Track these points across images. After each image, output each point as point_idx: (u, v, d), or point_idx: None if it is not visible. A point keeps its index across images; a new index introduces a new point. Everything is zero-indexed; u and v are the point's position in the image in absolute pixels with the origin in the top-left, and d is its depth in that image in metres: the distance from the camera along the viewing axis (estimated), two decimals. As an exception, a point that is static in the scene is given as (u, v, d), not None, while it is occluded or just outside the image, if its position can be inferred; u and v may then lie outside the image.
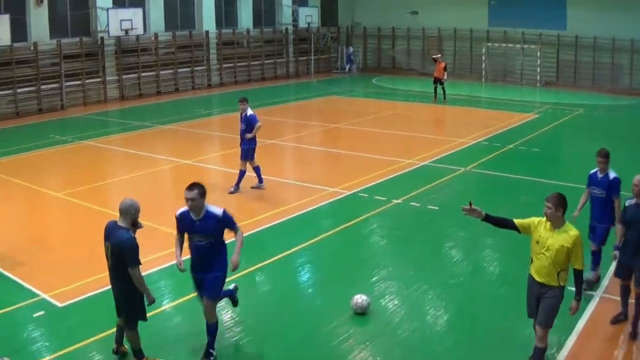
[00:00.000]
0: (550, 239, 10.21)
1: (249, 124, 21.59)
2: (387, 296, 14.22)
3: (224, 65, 51.85)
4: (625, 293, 12.80)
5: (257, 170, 22.12)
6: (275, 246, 17.37)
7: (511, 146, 28.71)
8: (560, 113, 38.48)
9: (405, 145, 29.96)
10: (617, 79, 48.88)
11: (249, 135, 21.60)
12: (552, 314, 10.36)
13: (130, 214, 11.18)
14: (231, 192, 21.78)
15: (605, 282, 14.55)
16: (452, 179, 23.58)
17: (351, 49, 60.47)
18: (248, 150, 21.84)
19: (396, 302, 14.01)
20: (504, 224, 10.95)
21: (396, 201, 20.66)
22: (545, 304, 10.35)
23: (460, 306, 13.84)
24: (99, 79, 43.42)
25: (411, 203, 20.56)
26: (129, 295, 10.96)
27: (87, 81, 42.52)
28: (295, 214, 19.86)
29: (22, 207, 21.49)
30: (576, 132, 34.38)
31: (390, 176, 23.77)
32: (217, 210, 11.73)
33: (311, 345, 12.35)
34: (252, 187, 22.17)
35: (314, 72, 59.29)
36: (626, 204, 12.79)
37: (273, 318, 13.43)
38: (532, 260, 10.60)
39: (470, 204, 10.82)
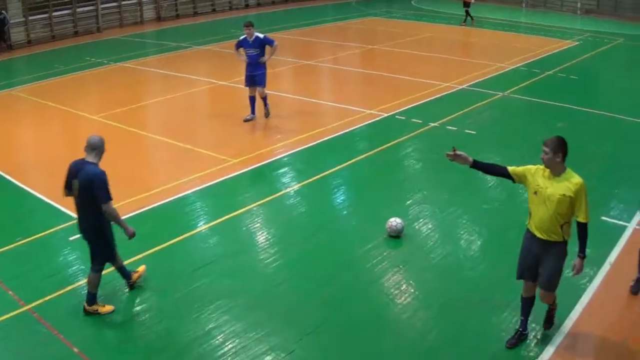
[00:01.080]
0: (550, 188, 9.18)
1: (262, 46, 20.70)
2: (421, 220, 14.27)
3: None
4: None
5: (265, 100, 21.42)
6: (311, 167, 17.45)
7: (550, 72, 28.37)
8: (599, 42, 37.87)
9: (443, 69, 29.72)
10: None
11: (264, 58, 20.70)
12: (557, 275, 9.50)
13: (100, 150, 11.11)
14: (247, 120, 21.24)
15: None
16: (490, 103, 23.40)
17: None
18: (261, 76, 20.94)
19: (430, 226, 14.07)
20: (496, 171, 9.97)
21: (433, 124, 20.58)
22: (548, 264, 9.43)
23: (493, 232, 13.84)
24: (135, 0, 43.29)
25: (448, 127, 20.47)
26: (98, 235, 10.90)
27: (123, 2, 42.41)
28: (332, 136, 19.85)
29: (60, 130, 21.67)
30: (616, 61, 33.87)
31: (428, 99, 23.64)
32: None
33: (345, 266, 12.42)
34: (246, 120, 21.34)
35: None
36: None
37: (308, 239, 13.57)
38: (530, 214, 9.57)
39: (454, 150, 9.57)
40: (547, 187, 9.21)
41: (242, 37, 20.86)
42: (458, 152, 9.55)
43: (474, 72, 27.98)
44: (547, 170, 9.32)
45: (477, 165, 9.71)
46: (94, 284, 10.91)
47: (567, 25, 44.14)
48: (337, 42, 37.47)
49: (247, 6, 50.10)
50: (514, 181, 9.72)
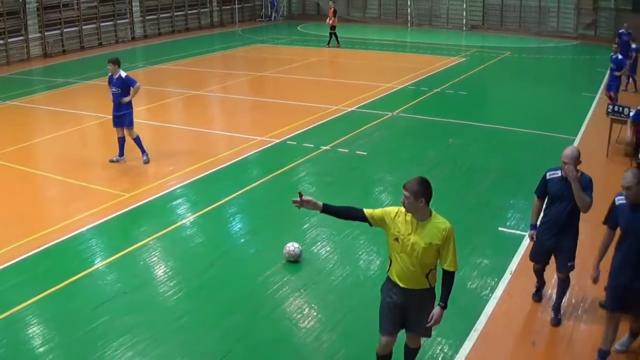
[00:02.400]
0: (414, 236, 8.25)
1: (125, 86, 19.71)
2: (318, 243, 14.36)
3: (147, 17, 51.16)
4: (540, 275, 11.73)
5: (137, 141, 20.18)
6: (205, 198, 17.38)
7: (438, 90, 28.93)
8: (487, 56, 38.82)
9: (332, 92, 29.99)
10: (544, 21, 49.32)
11: (126, 99, 19.66)
12: (427, 321, 8.49)
13: None
14: (112, 161, 20.31)
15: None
16: (380, 123, 23.71)
17: None
18: (126, 116, 19.92)
19: (328, 249, 14.17)
20: (350, 215, 8.91)
21: (324, 148, 20.75)
22: (419, 313, 8.61)
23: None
24: (21, 37, 42.61)
25: (339, 149, 20.66)
26: None
27: (9, 40, 41.69)
28: (225, 165, 19.82)
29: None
30: (503, 75, 34.77)
31: (318, 123, 23.84)
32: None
33: (246, 294, 12.40)
34: (112, 161, 20.40)
35: (239, 21, 58.75)
36: (547, 176, 10.89)
37: (207, 269, 13.49)
38: (390, 262, 8.72)
39: (300, 195, 8.49)
40: (409, 235, 8.28)
41: (109, 75, 20.08)
42: (305, 198, 8.49)
43: (362, 93, 28.31)
44: (410, 215, 8.35)
45: (328, 209, 8.69)
46: None
47: (453, 42, 45.13)
48: (225, 70, 37.53)
49: (133, 39, 49.71)
50: (371, 225, 8.81)
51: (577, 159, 10.27)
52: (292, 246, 13.37)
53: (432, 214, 8.33)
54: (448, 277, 8.39)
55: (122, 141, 20.30)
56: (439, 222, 8.28)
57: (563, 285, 11.17)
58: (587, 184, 10.38)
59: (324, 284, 12.70)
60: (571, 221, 10.76)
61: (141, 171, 19.83)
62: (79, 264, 13.74)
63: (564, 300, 11.37)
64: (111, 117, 20.01)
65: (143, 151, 20.25)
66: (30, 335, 11.26)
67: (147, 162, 20.13)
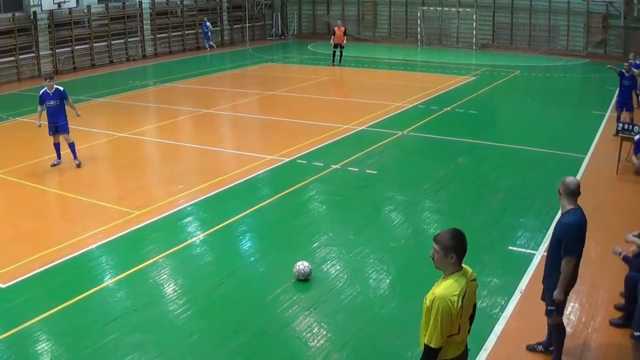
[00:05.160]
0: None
1: (61, 97, 21.95)
2: (328, 262, 14.32)
3: (158, 36, 51.32)
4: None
5: (72, 146, 22.16)
6: (215, 216, 17.36)
7: (448, 109, 28.91)
8: (496, 75, 38.79)
9: (342, 111, 30.04)
10: (553, 40, 49.32)
11: (76, 111, 22.58)
12: None
13: None
14: (54, 164, 22.18)
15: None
16: (390, 142, 23.68)
17: (208, 24, 54.27)
18: (66, 125, 22.10)
19: (338, 267, 14.12)
20: None
21: (334, 166, 20.73)
22: None
23: (401, 269, 14.00)
24: (32, 54, 42.76)
25: (349, 168, 20.64)
26: None
27: (20, 57, 41.84)
28: (234, 183, 19.77)
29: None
30: (513, 93, 34.74)
31: (328, 142, 23.81)
32: None
33: (256, 313, 12.37)
34: (54, 165, 22.20)
35: (249, 39, 58.89)
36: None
37: (217, 288, 13.43)
38: None
39: None
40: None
41: (42, 91, 21.98)
42: None
43: (372, 112, 28.30)
44: None
45: None
46: None
47: (463, 61, 45.13)
48: (235, 89, 37.53)
49: (144, 57, 49.84)
50: None
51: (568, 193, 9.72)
52: (302, 265, 13.34)
53: (451, 275, 7.30)
54: (423, 354, 7.34)
55: (58, 146, 22.28)
56: (438, 286, 7.29)
57: (552, 332, 10.48)
58: (563, 230, 9.70)
59: (334, 302, 12.66)
60: (552, 264, 10.03)
61: (151, 189, 19.90)
62: (88, 281, 13.75)
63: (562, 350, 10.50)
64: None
65: (75, 156, 22.06)
66: (39, 351, 11.26)
67: (79, 165, 21.94)
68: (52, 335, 11.73)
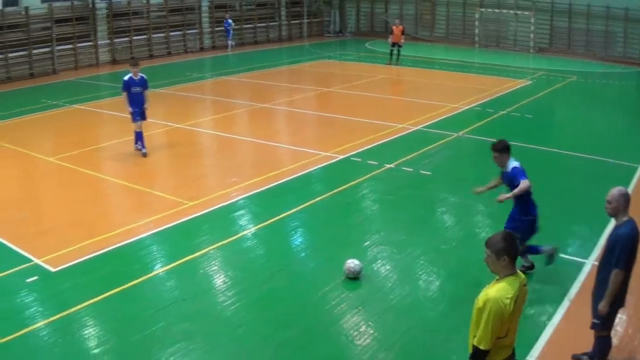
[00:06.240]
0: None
1: (145, 85, 22.10)
2: (379, 261, 14.27)
3: (217, 29, 51.58)
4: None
5: (142, 135, 22.41)
6: (268, 210, 17.36)
7: (504, 112, 28.66)
8: (553, 80, 38.38)
9: (398, 110, 29.95)
10: (610, 46, 48.73)
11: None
12: None
13: None
14: (143, 153, 22.18)
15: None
16: (445, 144, 23.54)
17: (230, 21, 52.01)
18: (145, 111, 22.29)
19: (388, 267, 14.08)
20: None
21: (389, 166, 20.65)
22: None
23: (451, 272, 13.88)
24: (90, 43, 43.20)
25: (403, 168, 20.56)
26: None
27: (78, 45, 42.29)
28: (288, 178, 19.82)
29: (15, 171, 21.38)
30: (569, 99, 34.33)
31: (383, 141, 23.73)
32: None
33: (304, 308, 12.40)
34: (143, 154, 22.22)
35: (307, 35, 58.98)
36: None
37: (266, 281, 13.47)
38: None
39: None
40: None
41: (128, 77, 21.89)
42: None
43: (428, 113, 28.16)
44: None
45: None
46: None
47: (520, 64, 44.63)
48: (291, 84, 37.60)
49: (202, 49, 50.09)
50: None
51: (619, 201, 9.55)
52: (352, 263, 13.31)
53: (505, 278, 7.29)
54: (472, 354, 7.35)
55: (141, 135, 22.25)
56: (491, 287, 7.28)
57: (596, 343, 10.26)
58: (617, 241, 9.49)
59: (383, 302, 12.61)
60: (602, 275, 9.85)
61: (205, 181, 20.07)
62: (139, 268, 13.90)
63: None
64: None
65: (144, 145, 22.27)
66: (86, 336, 11.40)
67: (145, 155, 22.09)
68: (101, 321, 11.87)
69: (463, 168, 21.44)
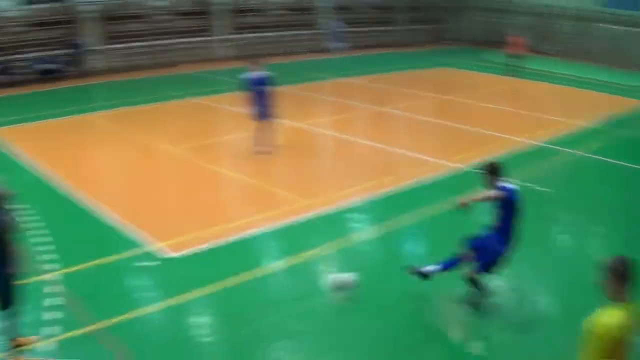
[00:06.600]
0: None
1: (270, 84, 21.70)
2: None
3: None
4: None
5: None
6: (385, 214, 17.36)
7: (629, 132, 27.87)
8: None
9: (516, 123, 29.32)
10: None
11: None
12: None
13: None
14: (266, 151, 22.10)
15: None
16: (566, 161, 23.00)
17: (335, 24, 51.76)
18: (269, 110, 21.86)
19: (497, 283, 13.60)
20: None
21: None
22: None
23: (561, 293, 13.53)
24: (209, 37, 43.90)
25: (523, 183, 20.24)
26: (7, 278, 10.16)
27: (197, 39, 43.05)
28: (406, 184, 19.71)
29: (137, 158, 21.97)
30: None
31: (501, 153, 23.37)
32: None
33: (418, 320, 12.34)
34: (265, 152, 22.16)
35: (425, 41, 58.77)
36: None
37: (382, 286, 13.42)
38: None
39: None
40: None
41: (250, 74, 21.51)
42: None
43: (547, 128, 27.55)
44: None
45: None
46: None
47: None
48: (410, 89, 37.38)
49: (315, 51, 50.36)
50: None
51: None
52: (339, 276, 12.58)
53: (617, 304, 7.07)
54: None
55: (265, 133, 22.03)
56: (602, 313, 7.00)
57: None
58: None
59: (492, 318, 12.49)
60: None
61: (322, 180, 20.13)
62: (253, 263, 14.15)
63: None
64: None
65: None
66: (196, 324, 11.71)
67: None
68: (212, 311, 12.22)
69: (583, 188, 20.69)
